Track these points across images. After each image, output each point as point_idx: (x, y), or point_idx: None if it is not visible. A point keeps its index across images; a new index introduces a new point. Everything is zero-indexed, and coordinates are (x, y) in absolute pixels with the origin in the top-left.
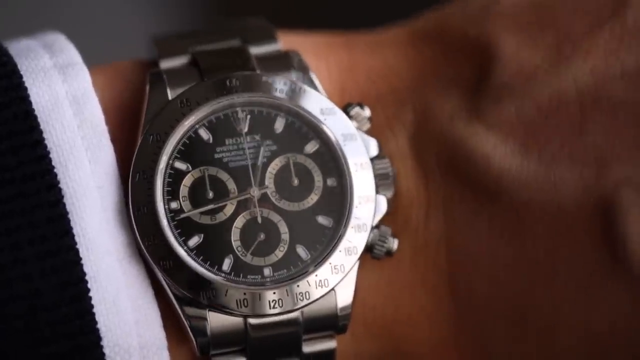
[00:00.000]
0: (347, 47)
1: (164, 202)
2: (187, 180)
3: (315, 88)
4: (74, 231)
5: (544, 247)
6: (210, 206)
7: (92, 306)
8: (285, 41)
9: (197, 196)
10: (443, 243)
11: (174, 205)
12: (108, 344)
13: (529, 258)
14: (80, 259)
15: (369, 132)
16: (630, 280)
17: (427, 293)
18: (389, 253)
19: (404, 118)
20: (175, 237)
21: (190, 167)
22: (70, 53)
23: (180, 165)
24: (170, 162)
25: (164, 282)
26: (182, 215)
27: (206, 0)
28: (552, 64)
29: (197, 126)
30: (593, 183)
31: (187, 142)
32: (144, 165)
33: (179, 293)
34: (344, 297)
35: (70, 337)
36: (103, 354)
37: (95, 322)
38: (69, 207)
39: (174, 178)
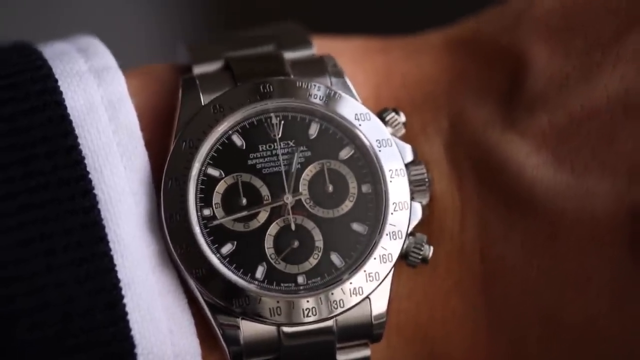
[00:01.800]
0: (383, 53)
1: (196, 209)
2: (220, 187)
3: (350, 93)
4: (109, 238)
5: (577, 257)
6: (244, 213)
7: (126, 313)
8: (322, 46)
9: (230, 203)
10: (477, 250)
11: (206, 212)
12: (142, 351)
13: (563, 269)
14: (115, 265)
15: (404, 138)
16: None
17: (461, 299)
18: (424, 260)
19: (439, 124)
20: (208, 245)
21: (223, 173)
22: (105, 57)
23: (213, 171)
24: (203, 168)
25: (196, 290)
26: (215, 223)
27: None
28: (583, 72)
29: (230, 132)
30: (625, 194)
31: (220, 148)
32: (176, 172)
33: (211, 301)
34: (379, 305)
35: (104, 345)
36: None
37: (130, 330)
38: (103, 214)
39: (207, 185)
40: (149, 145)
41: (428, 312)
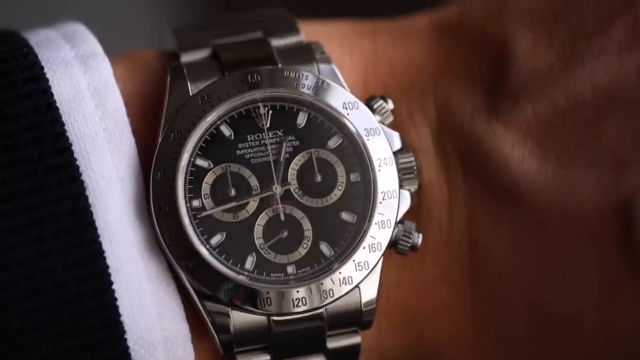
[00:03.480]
0: (371, 37)
1: (185, 200)
2: (209, 178)
3: (337, 80)
4: (97, 224)
5: (565, 249)
6: (233, 204)
7: (115, 299)
8: (309, 31)
9: (219, 194)
10: (465, 240)
11: (195, 203)
12: (132, 337)
13: (550, 260)
14: (103, 251)
15: (392, 125)
16: None
17: (449, 287)
18: (413, 248)
19: (426, 111)
20: (198, 236)
21: (211, 164)
22: (91, 44)
23: (201, 162)
24: (192, 159)
25: (185, 280)
26: (204, 214)
27: None
28: (567, 63)
29: (218, 122)
30: (611, 187)
31: (209, 138)
32: (165, 163)
33: (200, 291)
34: (368, 293)
35: (94, 330)
36: (127, 347)
37: (119, 315)
38: (91, 200)
39: (196, 176)
40: (136, 133)
41: (417, 300)
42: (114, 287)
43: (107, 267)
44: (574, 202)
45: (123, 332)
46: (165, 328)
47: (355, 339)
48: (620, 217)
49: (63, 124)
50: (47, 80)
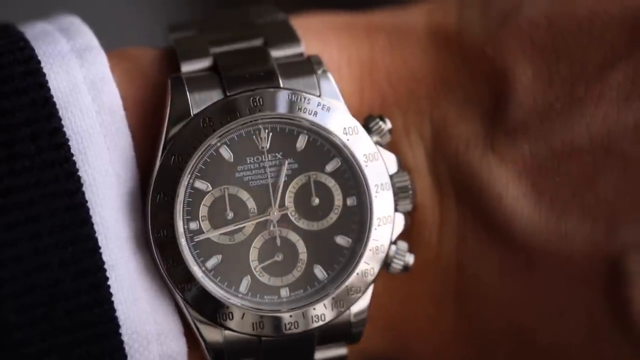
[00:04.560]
0: (368, 37)
1: (183, 223)
2: (207, 200)
3: (335, 93)
4: (93, 220)
5: (553, 290)
6: (230, 227)
7: (110, 294)
8: (305, 33)
9: (216, 216)
10: (453, 262)
11: (193, 225)
12: (127, 331)
13: (537, 296)
14: (99, 247)
15: (389, 144)
16: (632, 341)
17: (433, 304)
18: (405, 269)
19: (422, 130)
20: (194, 259)
21: (210, 186)
22: (87, 37)
23: (200, 185)
24: (191, 181)
25: (181, 302)
26: (202, 237)
27: None
28: (566, 106)
29: (218, 144)
30: (602, 240)
31: (208, 160)
32: (164, 187)
33: (195, 313)
34: (358, 309)
35: (89, 325)
36: (122, 342)
37: (114, 310)
38: (88, 196)
39: (194, 198)
40: (134, 137)
41: (401, 308)
42: (109, 282)
43: (103, 262)
44: (565, 249)
45: (118, 326)
46: (159, 322)
47: (342, 350)
48: (609, 271)
49: (60, 119)
50: (43, 75)
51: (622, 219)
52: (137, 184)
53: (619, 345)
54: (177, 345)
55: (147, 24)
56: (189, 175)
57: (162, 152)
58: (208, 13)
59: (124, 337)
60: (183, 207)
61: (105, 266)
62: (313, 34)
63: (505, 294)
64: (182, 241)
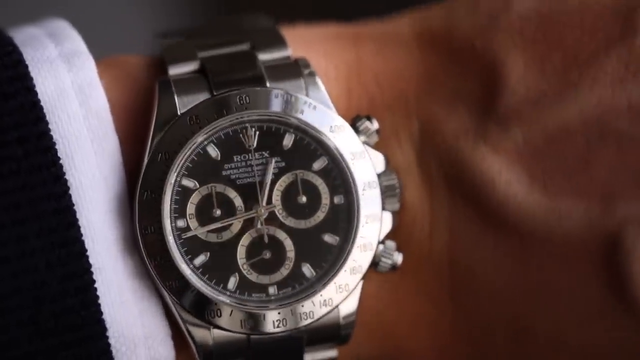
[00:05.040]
0: (355, 45)
1: (170, 220)
2: (195, 198)
3: (322, 95)
4: (80, 223)
5: (548, 274)
6: (217, 225)
7: (97, 297)
8: (293, 40)
9: (204, 214)
10: (446, 257)
11: (180, 223)
12: (113, 334)
13: (533, 282)
14: (86, 250)
15: (377, 144)
16: (631, 317)
17: (429, 302)
18: (393, 268)
19: (410, 129)
20: (182, 256)
21: (197, 184)
22: (76, 42)
23: (187, 182)
24: (178, 179)
25: (168, 300)
26: (189, 234)
27: None
28: (559, 91)
29: (205, 143)
30: (598, 219)
31: (195, 158)
32: (152, 184)
33: (183, 313)
34: (347, 313)
35: (75, 329)
36: (108, 345)
37: (101, 313)
38: (75, 199)
39: (181, 195)
40: (122, 142)
41: (395, 312)
42: (96, 285)
43: (89, 265)
44: (560, 229)
45: (105, 329)
46: (146, 325)
47: (332, 353)
48: (606, 248)
49: (47, 123)
50: (31, 79)
51: (618, 196)
52: (124, 187)
53: (619, 324)
54: (165, 349)
55: (148, 24)
56: (176, 173)
57: (149, 150)
58: (208, 14)
59: (111, 340)
60: (171, 205)
61: (92, 269)
62: (300, 41)
63: (501, 284)
64: (170, 239)
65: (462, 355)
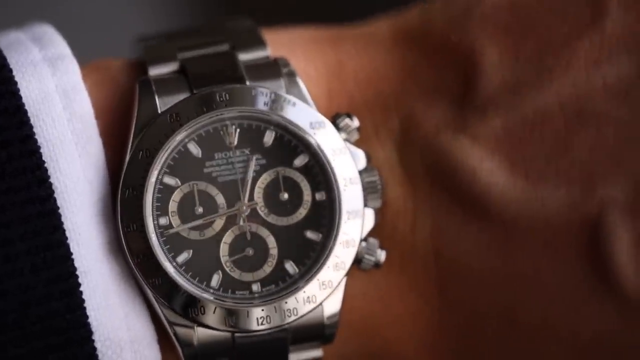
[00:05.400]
0: (334, 47)
1: (153, 218)
2: (177, 196)
3: (302, 95)
4: (65, 226)
5: (532, 260)
6: (199, 221)
7: (83, 300)
8: (274, 42)
9: (186, 211)
10: (431, 251)
11: (162, 221)
12: (99, 338)
13: (516, 269)
14: (71, 253)
15: (358, 142)
16: (615, 299)
17: (416, 297)
18: (376, 265)
19: (390, 126)
20: (165, 254)
21: (179, 182)
22: (60, 46)
23: (169, 180)
24: (160, 177)
25: (151, 297)
26: (171, 231)
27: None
28: (535, 77)
29: (186, 140)
30: (579, 201)
31: (177, 156)
32: (133, 181)
33: (167, 313)
34: (331, 310)
35: (61, 332)
36: (94, 349)
37: (86, 317)
38: (59, 202)
39: (163, 193)
40: (105, 145)
41: (382, 310)
42: (81, 288)
43: (75, 269)
44: (542, 214)
45: (90, 333)
46: (132, 328)
47: (317, 352)
48: (588, 230)
49: (31, 127)
50: (15, 83)
51: (598, 177)
52: (109, 190)
53: (604, 308)
54: (151, 353)
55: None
56: (158, 171)
57: (131, 149)
58: (208, 14)
59: (97, 344)
60: (153, 203)
61: (78, 272)
62: (280, 43)
63: (487, 274)
64: (152, 236)
65: (451, 350)
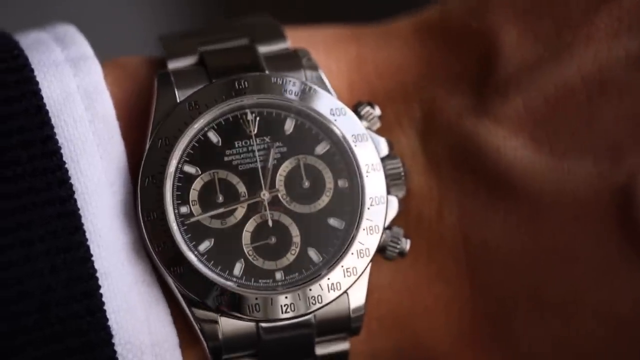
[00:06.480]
0: (355, 41)
1: (173, 207)
2: (197, 184)
3: (324, 86)
4: (85, 227)
5: (561, 235)
6: (221, 210)
7: (103, 303)
8: (294, 37)
9: (207, 200)
10: (459, 237)
11: (183, 209)
12: (120, 341)
13: (547, 246)
14: (92, 255)
15: (379, 131)
16: None
17: (445, 284)
18: (401, 254)
19: (413, 114)
20: (186, 242)
21: (199, 170)
22: (82, 46)
23: (189, 169)
24: (180, 166)
25: (173, 286)
26: (192, 220)
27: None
28: (555, 53)
29: (206, 129)
30: (607, 172)
31: (197, 145)
32: (153, 170)
33: (188, 297)
34: (357, 298)
35: (81, 334)
36: (115, 352)
37: (107, 319)
38: (80, 203)
39: (184, 182)
40: (125, 140)
41: (409, 301)
42: (101, 290)
43: (95, 270)
44: (569, 188)
45: (110, 336)
46: (153, 332)
47: (344, 345)
48: (618, 199)
49: (52, 127)
50: (37, 83)
51: (625, 147)
52: (130, 191)
53: (634, 277)
54: (172, 357)
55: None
56: (177, 159)
57: (150, 137)
58: (208, 14)
59: (117, 347)
60: (173, 191)
61: (98, 274)
62: (299, 38)
63: (516, 254)
64: (173, 225)
65: (482, 335)
